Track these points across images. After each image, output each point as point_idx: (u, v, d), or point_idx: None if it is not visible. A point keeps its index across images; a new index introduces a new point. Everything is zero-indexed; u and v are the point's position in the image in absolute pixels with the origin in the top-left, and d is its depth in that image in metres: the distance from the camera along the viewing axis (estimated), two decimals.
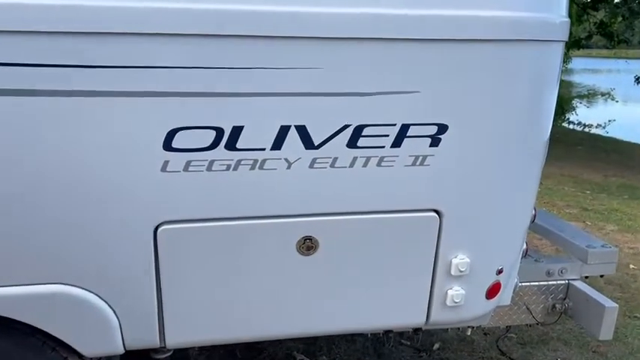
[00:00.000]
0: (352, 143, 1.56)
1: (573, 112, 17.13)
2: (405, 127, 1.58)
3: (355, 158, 1.58)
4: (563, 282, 2.28)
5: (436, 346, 2.93)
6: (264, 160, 1.52)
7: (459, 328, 2.29)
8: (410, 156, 1.61)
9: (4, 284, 1.49)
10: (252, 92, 1.46)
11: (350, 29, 1.46)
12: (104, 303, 1.57)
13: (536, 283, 2.25)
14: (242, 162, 1.51)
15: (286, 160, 1.53)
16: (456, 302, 1.78)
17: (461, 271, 1.74)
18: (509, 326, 3.03)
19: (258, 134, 1.49)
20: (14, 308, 1.52)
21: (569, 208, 5.73)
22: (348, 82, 1.51)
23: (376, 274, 1.74)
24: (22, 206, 1.44)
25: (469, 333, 2.29)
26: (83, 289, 1.54)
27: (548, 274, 2.27)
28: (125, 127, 1.41)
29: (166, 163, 1.46)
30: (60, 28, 1.31)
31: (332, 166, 1.57)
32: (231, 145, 1.48)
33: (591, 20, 12.11)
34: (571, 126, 16.13)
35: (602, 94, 19.90)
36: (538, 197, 6.22)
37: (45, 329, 1.56)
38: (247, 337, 1.83)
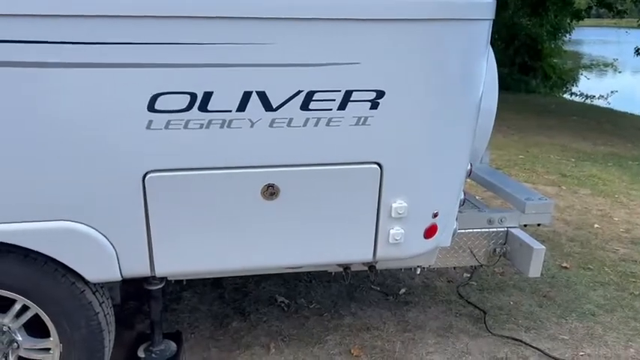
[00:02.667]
0: (305, 106, 1.89)
1: (574, 84, 17.17)
2: (348, 93, 1.91)
3: (307, 119, 1.92)
4: (502, 229, 2.62)
5: (402, 291, 3.31)
6: (231, 120, 1.86)
7: (418, 272, 2.64)
8: (353, 117, 1.94)
9: (24, 220, 1.85)
10: (220, 63, 1.79)
11: (298, 11, 1.78)
12: (104, 237, 1.93)
13: (479, 230, 2.60)
14: (213, 121, 1.85)
15: (249, 120, 1.87)
16: (397, 240, 2.14)
17: (400, 214, 2.09)
18: (471, 274, 3.42)
19: (225, 98, 1.83)
20: (33, 240, 1.88)
21: (549, 174, 6.03)
22: (300, 55, 1.83)
23: (329, 216, 2.09)
24: (38, 158, 1.79)
25: (418, 272, 2.65)
26: (87, 225, 1.90)
27: (490, 222, 2.61)
28: (116, 93, 1.75)
29: (150, 122, 1.80)
30: (67, 12, 1.65)
31: (288, 125, 1.91)
32: (203, 108, 1.82)
33: None
34: (574, 97, 16.23)
35: (605, 65, 19.88)
36: (520, 164, 6.57)
37: (56, 258, 1.92)
38: (222, 269, 2.20)
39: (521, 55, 16.15)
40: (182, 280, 2.77)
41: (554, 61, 17.21)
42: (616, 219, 4.72)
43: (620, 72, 19.30)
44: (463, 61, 2.03)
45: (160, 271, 2.04)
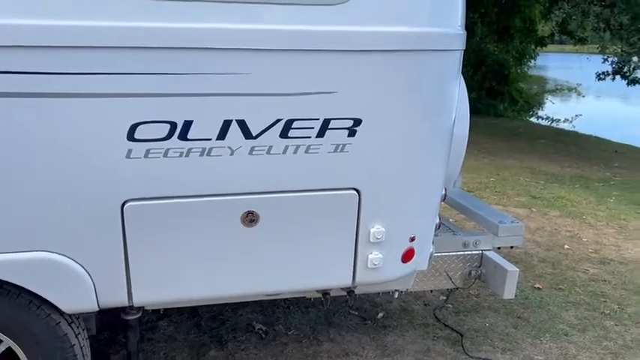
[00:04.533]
0: (284, 134, 1.93)
1: (541, 108, 17.71)
2: (326, 121, 1.95)
3: (287, 146, 1.95)
4: (477, 252, 2.68)
5: (380, 315, 3.32)
6: (211, 148, 1.88)
7: (396, 296, 2.66)
8: (332, 144, 1.98)
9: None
10: (200, 93, 1.81)
11: (277, 42, 1.82)
12: (81, 267, 1.90)
13: (454, 253, 2.65)
14: (192, 150, 1.86)
15: (229, 148, 1.89)
16: (376, 265, 2.16)
17: (378, 239, 2.12)
18: (447, 297, 3.46)
19: (205, 127, 1.85)
20: (8, 272, 1.84)
21: (519, 197, 6.18)
22: (279, 84, 1.87)
23: (309, 242, 2.11)
24: (14, 187, 1.77)
25: (396, 296, 2.67)
26: (63, 255, 1.87)
27: (465, 245, 2.67)
28: (95, 122, 1.75)
29: (130, 151, 1.81)
30: (45, 43, 1.65)
31: (268, 152, 1.93)
32: (183, 136, 1.83)
33: (553, 19, 12.66)
34: (540, 120, 16.72)
35: (569, 90, 20.58)
36: (491, 187, 6.70)
37: (32, 290, 1.89)
38: (202, 297, 2.18)
39: (489, 80, 16.61)
40: (159, 309, 2.73)
41: (521, 85, 17.73)
42: (585, 239, 4.86)
43: (583, 96, 19.96)
44: (436, 89, 2.10)
45: (138, 301, 2.02)
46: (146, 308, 2.29)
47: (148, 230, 1.93)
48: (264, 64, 1.83)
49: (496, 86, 16.49)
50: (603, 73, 12.18)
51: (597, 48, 10.17)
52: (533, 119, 17.04)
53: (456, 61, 2.13)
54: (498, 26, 16.29)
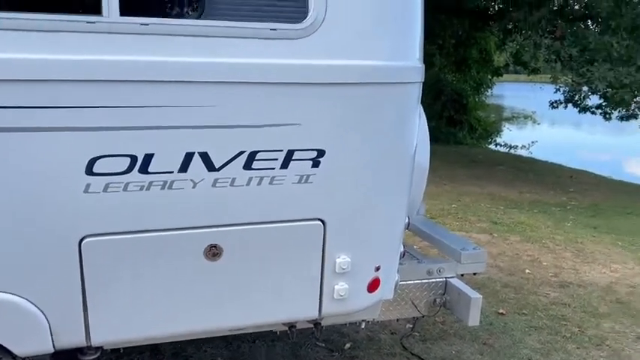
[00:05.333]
0: (247, 166, 1.92)
1: (498, 135, 18.26)
2: (290, 152, 1.95)
3: (251, 178, 1.94)
4: (441, 280, 2.70)
5: (347, 345, 3.29)
6: (172, 181, 1.85)
7: (363, 326, 2.65)
8: (296, 175, 1.98)
9: None
10: (162, 126, 1.79)
11: (241, 75, 1.83)
12: (35, 307, 1.82)
13: (419, 281, 2.66)
14: (153, 183, 1.83)
15: (192, 180, 1.87)
16: (342, 295, 2.15)
17: (343, 269, 2.12)
18: (413, 325, 3.45)
19: (166, 160, 1.82)
20: None
21: (480, 222, 6.30)
22: (242, 117, 1.87)
23: (274, 274, 2.08)
24: None
25: (362, 326, 2.65)
26: (17, 295, 1.79)
27: (429, 273, 2.69)
28: (52, 157, 1.71)
29: (88, 185, 1.76)
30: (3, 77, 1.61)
31: (231, 185, 1.92)
32: (143, 170, 1.80)
33: (508, 50, 13.19)
34: (499, 147, 17.21)
35: (525, 117, 21.35)
36: (453, 213, 6.81)
37: None
38: (164, 335, 2.11)
39: (449, 109, 17.07)
40: (118, 348, 2.62)
41: (479, 114, 18.29)
42: (545, 263, 4.97)
43: (538, 123, 20.76)
44: (397, 120, 2.14)
45: (96, 341, 1.94)
46: (105, 348, 2.20)
47: (107, 267, 1.87)
48: (228, 96, 1.83)
49: (455, 115, 16.96)
50: (556, 101, 12.65)
51: (549, 78, 10.59)
52: (491, 146, 17.55)
53: (416, 92, 2.18)
54: (456, 57, 16.88)
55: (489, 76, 18.26)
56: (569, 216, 7.34)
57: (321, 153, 1.99)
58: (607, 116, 11.50)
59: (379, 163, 2.13)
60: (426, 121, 2.79)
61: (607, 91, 8.78)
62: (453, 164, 11.43)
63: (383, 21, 2.04)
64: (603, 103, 10.84)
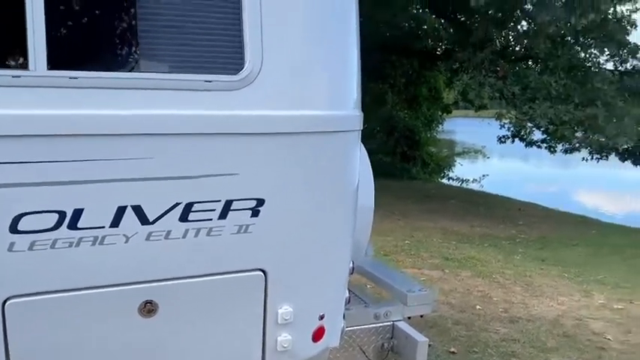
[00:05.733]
0: (184, 217, 1.87)
1: (450, 169, 18.73)
2: (228, 203, 1.92)
3: (187, 230, 1.89)
4: (388, 323, 2.69)
5: None
6: (103, 237, 1.78)
7: None
8: (235, 225, 1.95)
9: None
10: (91, 180, 1.73)
11: (176, 127, 1.81)
12: None
13: (366, 326, 2.64)
14: (83, 239, 1.76)
15: (124, 235, 1.81)
16: (285, 347, 2.10)
17: (286, 320, 2.07)
18: None
19: (97, 215, 1.76)
20: None
21: (433, 258, 6.37)
22: (177, 168, 1.84)
23: (214, 328, 2.02)
24: None
25: None
26: None
27: (376, 317, 2.67)
28: None
29: (12, 244, 1.67)
30: None
31: (166, 238, 1.86)
32: (72, 225, 1.73)
33: (455, 89, 13.70)
34: (451, 182, 17.64)
35: (475, 152, 22.02)
36: (406, 250, 6.85)
37: None
38: None
39: (402, 145, 17.45)
40: None
41: (431, 149, 18.78)
42: (495, 299, 5.05)
43: (488, 157, 21.42)
44: (336, 167, 2.16)
45: None
46: None
47: (34, 328, 1.76)
48: (162, 148, 1.80)
49: (408, 151, 17.34)
50: (503, 136, 13.14)
51: (495, 115, 11.04)
52: (444, 180, 17.98)
53: (354, 139, 2.21)
54: (407, 95, 17.40)
55: (439, 113, 18.86)
56: (518, 249, 7.54)
57: (260, 202, 1.97)
58: (552, 150, 12.00)
59: (320, 210, 2.13)
60: (368, 162, 2.83)
61: (549, 128, 9.19)
62: (406, 199, 11.62)
63: (319, 71, 2.08)
64: (547, 138, 11.33)
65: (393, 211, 9.53)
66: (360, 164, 2.36)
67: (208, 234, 1.92)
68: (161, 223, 1.84)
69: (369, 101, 18.45)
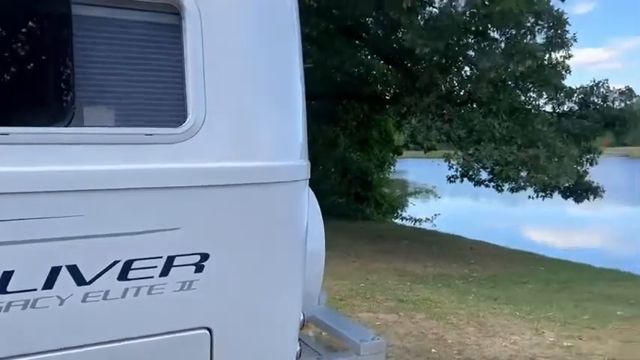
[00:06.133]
0: (123, 276, 1.79)
1: (403, 209, 19.02)
2: (170, 259, 1.86)
3: (126, 289, 1.81)
4: None
5: None
6: (36, 300, 1.67)
7: None
8: (177, 282, 1.88)
9: None
10: (22, 240, 1.64)
11: (112, 182, 1.75)
12: None
13: None
14: (13, 303, 1.64)
15: (58, 297, 1.70)
16: None
17: None
18: None
19: (28, 277, 1.66)
20: None
21: (388, 301, 6.35)
22: (115, 224, 1.77)
23: None
24: None
25: None
26: None
27: None
28: None
29: None
30: None
31: (104, 298, 1.77)
32: (1, 289, 1.62)
33: (404, 132, 14.09)
34: (404, 222, 17.87)
35: (427, 192, 22.51)
36: (361, 293, 6.81)
37: None
38: None
39: (355, 186, 17.66)
40: None
41: (384, 190, 19.07)
42: (449, 341, 5.05)
43: (439, 197, 21.93)
44: (283, 218, 2.13)
45: None
46: None
47: None
48: (100, 204, 1.73)
49: (361, 192, 17.55)
50: (452, 176, 13.51)
51: (443, 156, 11.38)
52: (397, 220, 18.22)
53: (301, 189, 2.20)
54: (359, 138, 17.73)
55: (391, 154, 19.28)
56: (471, 288, 7.64)
57: (204, 257, 1.91)
58: (499, 189, 12.40)
59: (268, 262, 2.09)
60: (318, 208, 2.82)
61: (494, 168, 9.52)
62: (361, 240, 11.66)
63: (264, 122, 2.08)
64: (494, 178, 11.73)
65: (349, 253, 9.54)
66: (309, 211, 2.35)
67: (149, 292, 1.84)
68: (98, 283, 1.76)
69: (323, 144, 18.71)
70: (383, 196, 18.47)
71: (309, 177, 2.26)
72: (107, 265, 1.76)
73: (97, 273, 1.75)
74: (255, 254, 2.04)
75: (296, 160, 2.16)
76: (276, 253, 2.12)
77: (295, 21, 2.25)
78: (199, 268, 1.91)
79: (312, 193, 2.82)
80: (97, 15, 1.85)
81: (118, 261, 1.78)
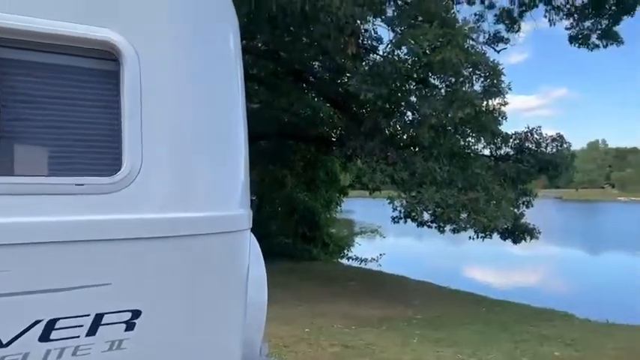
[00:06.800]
0: (45, 337, 1.66)
1: (350, 249, 19.07)
2: (99, 316, 1.74)
3: (49, 351, 1.67)
4: None
5: None
6: None
7: None
8: (106, 342, 1.76)
9: None
10: None
11: (35, 236, 1.64)
12: None
13: None
14: None
15: None
16: None
17: None
18: None
19: None
20: None
21: (332, 347, 6.26)
22: (39, 280, 1.65)
23: None
24: None
25: None
26: None
27: None
28: None
29: None
30: None
31: None
32: None
33: (351, 173, 14.29)
34: (351, 261, 17.89)
35: (372, 232, 22.72)
36: (306, 339, 6.68)
37: None
38: None
39: (302, 226, 17.62)
40: None
41: (331, 230, 19.12)
42: None
43: (384, 237, 22.16)
44: (222, 269, 2.07)
45: None
46: None
47: None
48: (20, 260, 1.61)
49: (308, 232, 17.52)
50: (396, 217, 13.73)
51: (387, 198, 11.58)
52: (344, 260, 18.22)
53: (240, 239, 2.15)
54: (305, 178, 17.83)
55: (337, 194, 19.44)
56: (415, 331, 7.66)
57: (136, 314, 1.81)
58: (441, 230, 12.68)
59: (205, 316, 2.00)
60: (260, 256, 2.77)
61: (436, 210, 9.75)
62: (307, 282, 11.56)
63: (202, 172, 2.03)
64: (436, 219, 12.00)
65: (295, 296, 9.41)
66: (252, 260, 2.30)
67: (74, 353, 1.71)
68: (17, 345, 1.62)
69: (270, 184, 18.67)
70: (330, 236, 18.51)
71: (251, 226, 2.21)
72: (28, 325, 1.63)
73: (17, 334, 1.62)
74: (191, 308, 1.95)
75: (235, 210, 2.12)
76: (214, 306, 2.04)
77: (238, 66, 2.25)
78: (130, 325, 1.80)
79: (255, 241, 2.77)
80: (27, 59, 1.77)
81: (40, 320, 1.65)
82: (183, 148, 1.99)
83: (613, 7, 12.78)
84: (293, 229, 17.68)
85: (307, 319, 7.88)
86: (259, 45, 13.55)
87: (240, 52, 2.31)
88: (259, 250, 2.74)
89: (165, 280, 1.88)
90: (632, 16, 12.99)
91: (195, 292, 1.97)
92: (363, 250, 19.09)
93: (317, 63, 13.54)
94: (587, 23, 13.67)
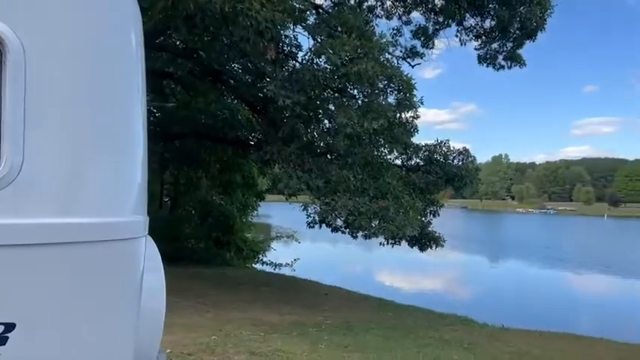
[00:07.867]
0: None
1: (265, 254, 18.97)
2: None
3: None
4: None
5: None
6: None
7: None
8: None
9: None
10: None
11: None
12: None
13: None
14: None
15: None
16: None
17: None
18: None
19: None
20: None
21: (239, 354, 6.16)
22: None
23: None
24: None
25: None
26: None
27: None
28: None
29: None
30: None
31: None
32: None
33: (267, 178, 14.22)
34: (265, 267, 17.78)
35: (288, 236, 22.75)
36: (212, 347, 6.54)
37: None
38: None
39: (216, 230, 17.28)
40: None
41: (246, 235, 18.90)
42: None
43: (299, 242, 22.26)
44: (111, 279, 1.95)
45: None
46: None
47: None
48: None
49: (222, 236, 17.23)
50: (311, 222, 13.86)
51: (301, 204, 11.66)
52: (258, 265, 18.10)
53: (134, 247, 2.04)
54: (221, 181, 17.53)
55: (254, 198, 19.29)
56: (324, 336, 7.73)
57: (9, 327, 1.66)
58: (354, 236, 12.95)
59: (90, 329, 1.88)
60: (160, 263, 2.66)
61: (349, 217, 9.94)
62: (218, 288, 11.33)
63: (92, 174, 1.91)
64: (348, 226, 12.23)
65: (204, 303, 9.19)
66: (148, 266, 2.20)
67: None
68: None
69: (184, 185, 18.15)
70: (244, 240, 18.30)
71: (146, 233, 2.12)
72: None
73: None
74: (73, 321, 1.83)
75: (128, 216, 2.02)
76: (102, 317, 1.92)
77: (139, 62, 2.15)
78: (2, 340, 1.66)
79: (154, 246, 2.67)
80: None
81: None
82: (73, 147, 1.86)
83: (517, 32, 13.72)
84: (206, 233, 17.31)
85: (215, 325, 7.71)
86: (177, 43, 13.18)
87: (142, 48, 2.21)
88: (158, 255, 2.64)
89: (44, 291, 1.75)
90: (533, 41, 14.05)
91: (80, 303, 1.85)
92: (278, 255, 19.07)
93: (236, 65, 13.39)
94: (495, 45, 14.58)
